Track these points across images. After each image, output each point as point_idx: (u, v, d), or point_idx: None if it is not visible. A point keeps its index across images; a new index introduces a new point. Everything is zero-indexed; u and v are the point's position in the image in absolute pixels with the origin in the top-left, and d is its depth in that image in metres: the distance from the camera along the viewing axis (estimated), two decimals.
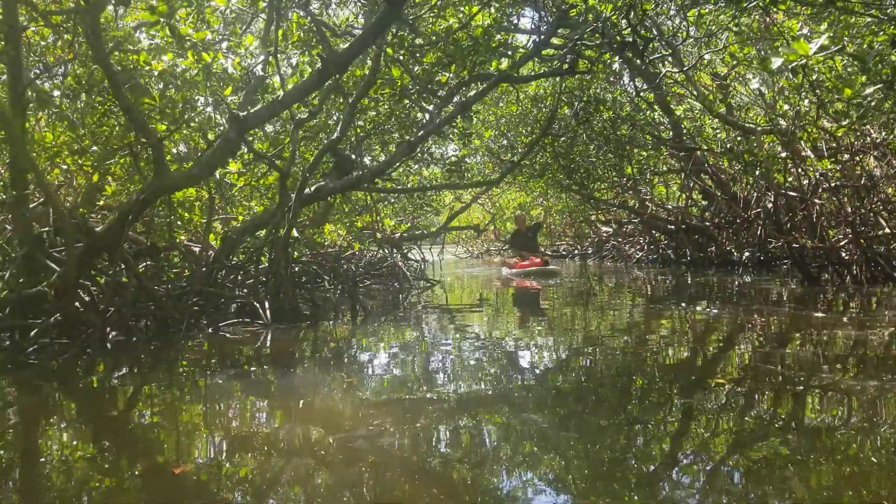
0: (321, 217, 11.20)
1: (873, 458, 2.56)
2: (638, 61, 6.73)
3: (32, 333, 5.07)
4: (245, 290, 6.83)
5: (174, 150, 7.37)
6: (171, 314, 5.89)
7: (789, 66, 3.50)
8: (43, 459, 2.87)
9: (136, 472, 2.66)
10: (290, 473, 2.59)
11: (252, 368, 4.65)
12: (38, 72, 7.89)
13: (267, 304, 6.34)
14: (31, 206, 5.89)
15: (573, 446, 2.83)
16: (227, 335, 5.83)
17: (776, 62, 3.51)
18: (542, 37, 6.42)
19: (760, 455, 2.66)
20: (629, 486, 2.38)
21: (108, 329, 5.42)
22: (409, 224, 17.15)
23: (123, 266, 5.77)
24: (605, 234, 19.87)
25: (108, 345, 5.27)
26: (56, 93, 7.23)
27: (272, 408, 3.65)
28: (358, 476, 2.54)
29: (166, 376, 4.50)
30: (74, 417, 3.69)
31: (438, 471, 2.61)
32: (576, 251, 22.25)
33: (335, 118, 9.17)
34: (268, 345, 5.53)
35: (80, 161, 6.88)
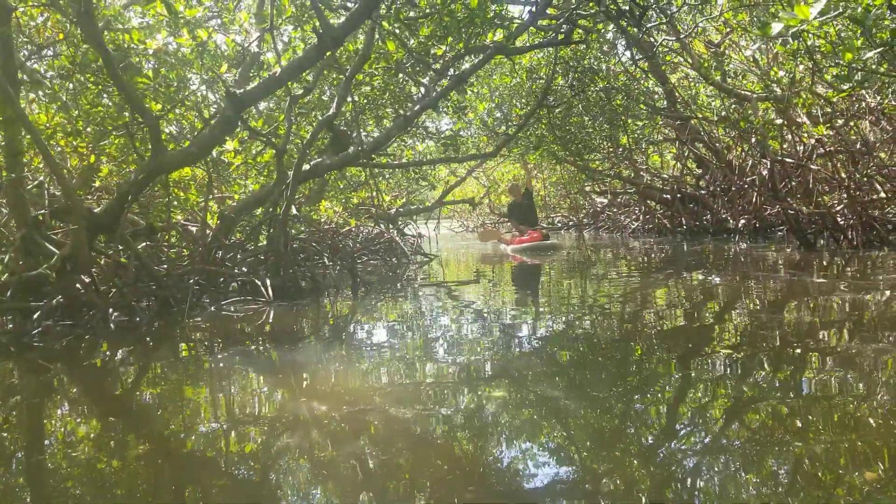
0: (317, 193, 11.18)
1: (871, 421, 2.60)
2: (634, 30, 6.68)
3: (35, 316, 5.08)
4: (245, 269, 6.83)
5: (167, 130, 7.32)
6: (172, 294, 5.90)
7: (789, 32, 3.49)
8: (48, 441, 2.89)
9: (142, 451, 2.68)
10: (295, 448, 2.62)
11: (256, 346, 4.68)
12: (26, 53, 7.80)
13: (268, 282, 6.35)
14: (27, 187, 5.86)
15: (575, 415, 2.87)
16: (230, 313, 5.85)
17: (776, 27, 3.50)
18: (538, 7, 6.37)
19: (760, 419, 2.70)
20: (630, 453, 2.42)
21: (111, 310, 5.43)
22: (404, 199, 17.13)
23: (122, 246, 5.76)
24: (599, 205, 19.88)
25: (111, 325, 5.28)
26: (50, 74, 7.16)
27: (277, 384, 3.67)
28: (363, 449, 2.57)
29: (170, 356, 4.52)
30: (79, 398, 3.71)
31: (443, 442, 2.65)
32: (571, 222, 22.26)
33: (328, 94, 9.12)
34: (270, 322, 5.55)
35: (74, 142, 6.83)
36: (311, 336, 5.00)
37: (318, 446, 2.62)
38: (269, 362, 4.18)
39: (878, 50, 3.94)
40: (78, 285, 5.43)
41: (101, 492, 2.31)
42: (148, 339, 4.99)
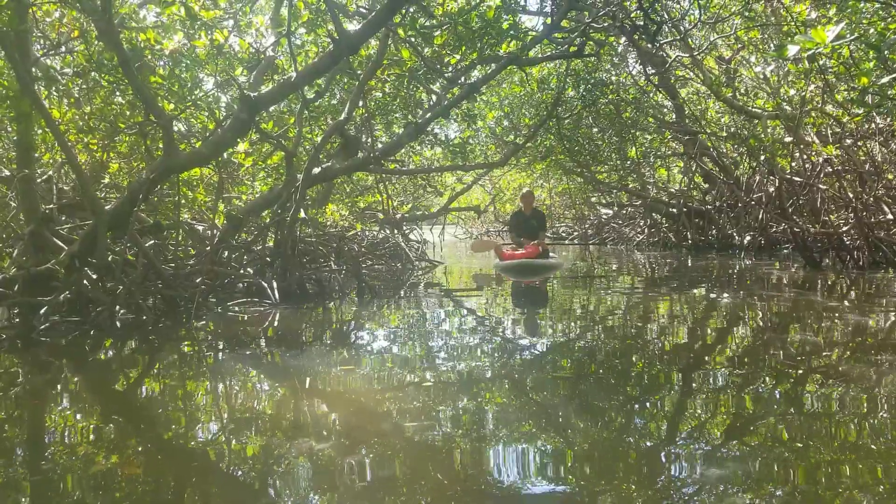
0: (323, 197, 11.20)
1: (871, 445, 2.60)
2: (648, 46, 6.70)
3: (42, 311, 5.09)
4: (252, 270, 6.84)
5: (175, 128, 7.34)
6: (179, 293, 5.90)
7: (804, 54, 3.49)
8: (50, 437, 2.90)
9: (142, 450, 2.69)
10: (294, 453, 2.61)
11: (261, 349, 4.68)
12: (39, 47, 7.84)
13: (274, 284, 6.36)
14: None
15: (575, 428, 2.87)
16: (235, 314, 5.85)
17: (792, 50, 3.50)
18: (553, 19, 6.38)
19: (759, 438, 2.70)
20: (629, 468, 2.42)
21: (117, 307, 5.44)
22: (410, 205, 17.14)
23: (130, 244, 5.78)
24: (604, 217, 19.87)
25: (118, 323, 5.29)
26: (67, 70, 7.19)
27: (280, 389, 3.67)
28: (363, 458, 2.57)
29: (175, 355, 4.52)
30: (82, 396, 3.72)
31: (441, 449, 2.65)
32: (574, 233, 22.21)
33: (338, 97, 9.14)
34: (275, 325, 5.55)
35: (85, 139, 6.86)
36: (316, 341, 5.00)
37: (317, 453, 2.62)
38: (273, 366, 4.18)
39: (893, 76, 3.95)
40: (85, 282, 5.44)
41: (100, 490, 2.32)
42: (153, 337, 4.99)
